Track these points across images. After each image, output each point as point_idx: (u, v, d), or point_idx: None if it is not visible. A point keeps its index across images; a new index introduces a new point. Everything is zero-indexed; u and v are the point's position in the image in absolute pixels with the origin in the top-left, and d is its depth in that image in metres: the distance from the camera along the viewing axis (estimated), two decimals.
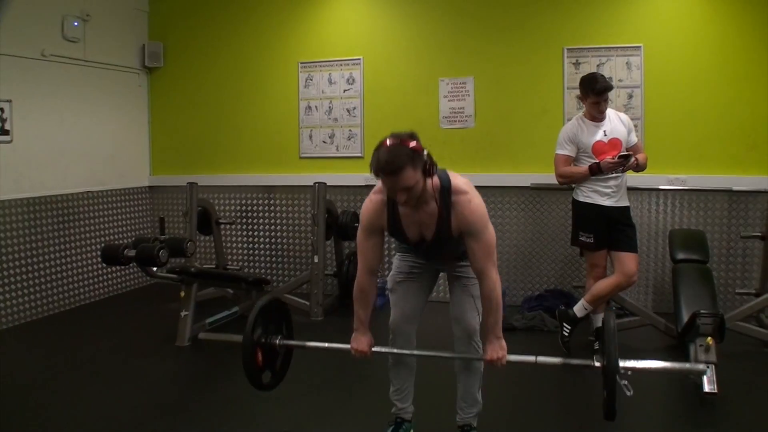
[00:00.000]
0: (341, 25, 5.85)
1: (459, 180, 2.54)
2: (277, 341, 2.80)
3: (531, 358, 2.62)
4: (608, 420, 2.38)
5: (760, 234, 4.72)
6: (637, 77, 5.14)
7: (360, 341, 2.70)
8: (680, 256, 4.42)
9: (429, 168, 2.36)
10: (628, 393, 2.35)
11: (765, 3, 4.97)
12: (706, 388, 3.26)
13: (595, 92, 3.95)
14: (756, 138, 5.04)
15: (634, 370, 2.43)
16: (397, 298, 2.82)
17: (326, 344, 2.86)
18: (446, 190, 2.50)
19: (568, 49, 5.32)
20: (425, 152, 2.34)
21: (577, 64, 5.27)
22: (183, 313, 4.35)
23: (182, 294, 4.43)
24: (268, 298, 2.85)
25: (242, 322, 4.73)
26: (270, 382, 2.84)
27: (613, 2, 5.26)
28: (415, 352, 2.81)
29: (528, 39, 5.43)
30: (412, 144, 2.30)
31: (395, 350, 2.79)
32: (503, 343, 2.60)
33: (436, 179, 2.46)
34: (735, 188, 4.70)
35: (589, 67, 5.16)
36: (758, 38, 4.99)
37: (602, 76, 4.08)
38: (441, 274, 2.96)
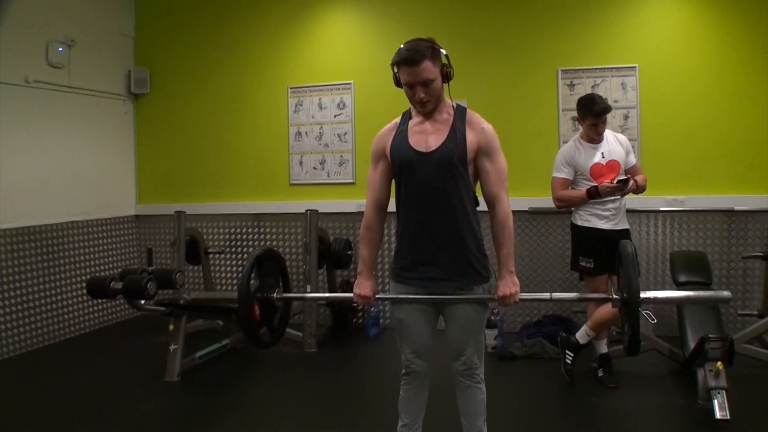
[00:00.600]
0: (331, 49, 5.95)
1: None
2: (275, 294, 2.76)
3: (546, 295, 2.68)
4: (631, 355, 2.42)
5: (761, 254, 4.80)
6: (633, 98, 5.23)
7: (364, 286, 2.67)
8: (683, 278, 4.45)
9: (447, 71, 2.47)
10: (652, 321, 2.54)
11: (760, 22, 5.10)
12: (718, 414, 3.27)
13: (593, 114, 3.99)
14: (754, 157, 5.14)
15: (655, 301, 2.49)
16: (402, 336, 2.69)
17: (327, 294, 2.85)
18: (461, 108, 2.58)
19: (562, 70, 5.42)
20: (444, 53, 2.46)
21: (571, 86, 5.37)
22: (172, 347, 4.35)
23: (171, 327, 4.43)
24: (263, 248, 2.83)
25: (233, 355, 4.81)
26: (269, 339, 2.81)
27: (607, 22, 5.38)
28: (422, 296, 2.59)
29: (522, 61, 5.53)
30: (433, 43, 2.44)
31: (401, 296, 2.63)
32: (516, 279, 2.55)
33: (449, 100, 2.56)
34: (737, 208, 4.78)
35: (583, 89, 5.28)
36: (755, 56, 5.12)
37: (600, 97, 4.13)
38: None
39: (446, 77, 2.48)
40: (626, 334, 2.41)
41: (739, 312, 4.91)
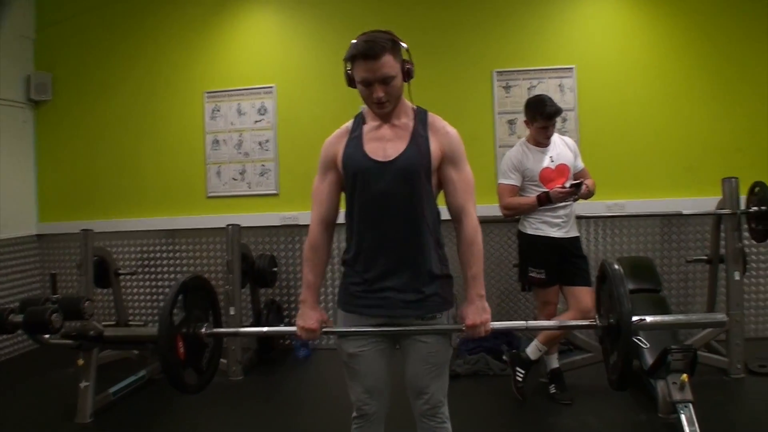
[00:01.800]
0: (251, 50, 5.89)
1: None
2: (204, 330, 2.53)
3: (521, 324, 2.58)
4: (619, 390, 2.34)
5: (706, 257, 5.00)
6: (571, 100, 5.38)
7: (309, 317, 2.41)
8: (632, 286, 4.52)
9: (409, 69, 2.36)
10: (645, 346, 2.38)
11: (697, 24, 5.38)
12: (687, 429, 3.29)
13: (544, 116, 4.01)
14: (693, 160, 5.39)
15: (647, 326, 2.43)
16: (353, 373, 2.49)
17: (266, 329, 2.66)
18: (422, 111, 2.46)
19: (497, 71, 5.53)
20: (405, 47, 2.34)
21: (507, 88, 5.49)
22: (82, 384, 4.18)
23: (80, 362, 4.26)
24: (190, 275, 2.60)
25: (152, 388, 4.68)
26: (196, 382, 2.57)
27: (544, 22, 5.53)
28: (377, 329, 2.41)
29: (455, 62, 5.61)
30: (393, 35, 2.30)
31: (352, 329, 2.45)
32: (486, 304, 2.35)
33: (409, 103, 2.45)
34: (684, 212, 4.95)
35: (520, 91, 5.42)
36: (692, 58, 5.40)
37: (550, 98, 4.12)
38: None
39: (407, 75, 2.36)
40: (613, 366, 2.32)
41: None
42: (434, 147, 2.35)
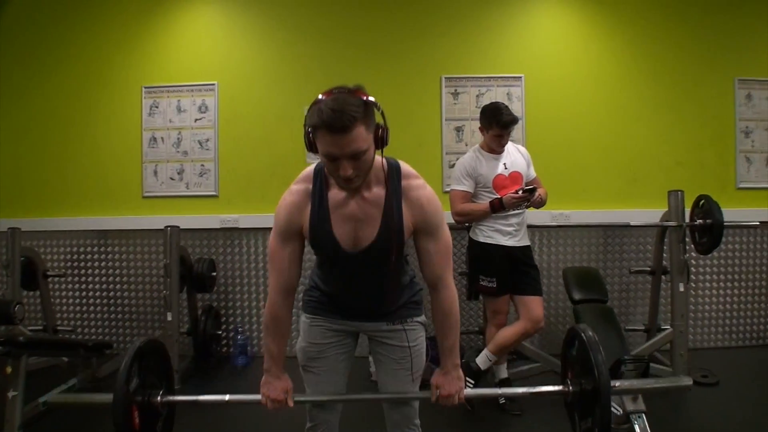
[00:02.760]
0: (193, 45, 5.90)
1: (405, 163, 2.30)
2: (159, 398, 2.47)
3: (496, 391, 2.63)
4: None
5: (649, 268, 5.28)
6: (518, 109, 5.60)
7: (273, 387, 2.37)
8: (578, 296, 4.75)
9: (383, 134, 2.10)
10: (618, 412, 2.39)
11: (644, 38, 5.74)
12: None
13: (500, 125, 4.13)
14: (636, 171, 5.73)
15: (622, 391, 2.48)
16: (313, 379, 2.52)
17: (227, 396, 2.53)
18: (395, 171, 2.24)
19: (446, 77, 5.72)
20: (379, 108, 2.08)
21: (455, 94, 5.69)
22: (11, 394, 4.08)
23: (8, 369, 4.19)
24: (145, 339, 2.54)
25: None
26: None
27: (494, 30, 5.75)
28: (345, 396, 2.54)
29: (403, 66, 5.77)
30: (363, 94, 2.02)
31: (319, 397, 2.51)
32: (461, 372, 2.41)
33: (380, 158, 2.19)
34: (633, 223, 5.14)
35: (468, 98, 5.64)
36: (637, 73, 5.76)
37: (506, 107, 4.22)
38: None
39: (382, 143, 2.10)
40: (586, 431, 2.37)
41: (625, 327, 5.32)
42: (408, 220, 2.24)
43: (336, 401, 2.54)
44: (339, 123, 1.93)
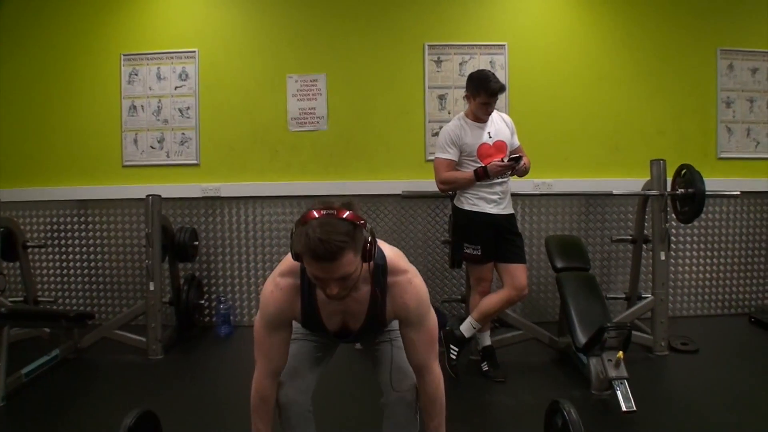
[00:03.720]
0: (173, 11, 5.80)
1: (392, 253, 2.33)
2: None
3: None
4: None
5: (630, 237, 5.34)
6: (501, 77, 5.50)
7: None
8: (561, 264, 4.80)
9: (370, 249, 2.07)
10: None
11: (627, 6, 5.75)
12: (624, 406, 3.48)
13: (488, 92, 4.10)
14: (618, 140, 5.78)
15: None
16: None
17: None
18: (381, 268, 2.26)
19: (429, 45, 5.70)
20: (366, 227, 2.07)
21: (438, 62, 5.67)
22: None
23: None
24: (136, 414, 2.60)
25: (66, 368, 4.64)
26: None
27: None
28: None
29: (386, 33, 5.74)
30: (350, 216, 1.99)
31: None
32: None
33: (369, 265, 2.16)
34: (615, 192, 5.16)
35: (451, 65, 5.64)
36: (620, 40, 5.77)
37: (494, 74, 4.19)
38: None
39: (369, 256, 2.08)
40: None
41: (607, 296, 5.36)
42: (390, 314, 2.32)
43: (300, 386, 2.54)
44: (326, 254, 1.91)
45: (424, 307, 2.32)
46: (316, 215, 1.95)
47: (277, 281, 2.28)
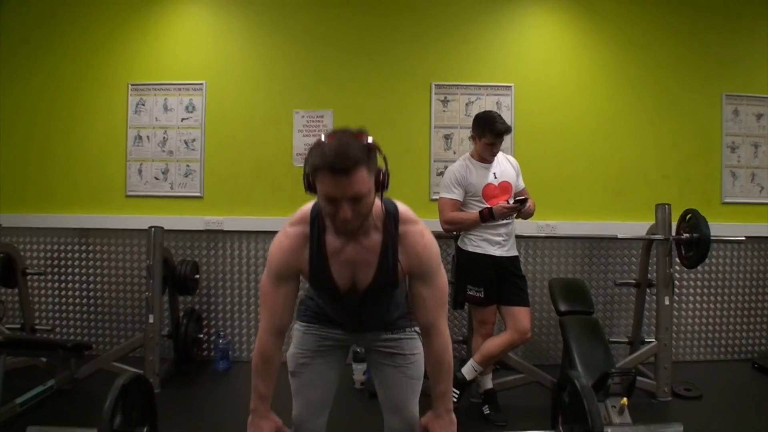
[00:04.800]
0: (182, 43, 5.84)
1: (403, 206, 2.29)
2: None
3: None
4: None
5: (634, 281, 5.33)
6: (508, 118, 5.61)
7: (260, 427, 2.34)
8: (564, 307, 4.77)
9: (384, 179, 2.08)
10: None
11: (633, 50, 5.80)
12: None
13: (494, 133, 4.14)
14: (622, 184, 5.79)
15: None
16: (301, 384, 2.54)
17: None
18: (392, 216, 2.23)
19: (436, 84, 5.73)
20: (382, 154, 2.09)
21: (445, 102, 5.70)
22: None
23: None
24: (129, 375, 2.58)
25: (61, 399, 4.59)
26: None
27: (485, 39, 5.78)
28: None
29: (393, 71, 5.77)
30: (368, 139, 2.03)
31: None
32: (454, 417, 2.41)
33: (378, 202, 2.16)
34: (620, 236, 5.19)
35: (457, 106, 5.67)
36: (626, 84, 5.82)
37: (500, 115, 4.25)
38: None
39: (382, 187, 2.08)
40: None
41: (609, 340, 5.28)
42: (404, 266, 2.25)
43: (315, 410, 2.55)
44: (342, 165, 1.93)
45: (436, 260, 2.28)
46: (335, 134, 2.02)
47: (286, 230, 2.28)
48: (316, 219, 2.24)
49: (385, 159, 2.10)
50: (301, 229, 2.25)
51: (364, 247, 2.22)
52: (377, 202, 2.14)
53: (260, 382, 2.34)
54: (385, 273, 2.24)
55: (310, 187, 2.07)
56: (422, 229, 2.28)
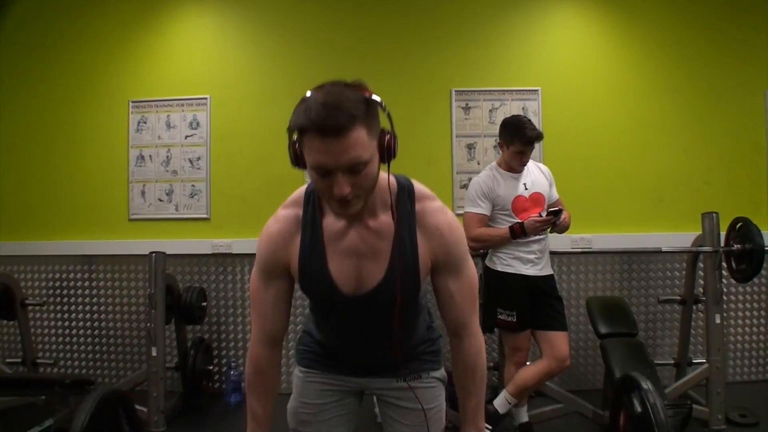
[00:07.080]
0: (184, 56, 5.66)
1: (417, 182, 1.89)
2: None
3: None
4: None
5: (679, 297, 4.95)
6: (536, 124, 5.23)
7: None
8: (605, 330, 4.46)
9: (390, 143, 1.65)
10: None
11: (667, 49, 5.50)
12: None
13: (523, 140, 3.83)
14: (662, 192, 5.45)
15: None
16: None
17: None
18: (406, 192, 1.82)
19: (456, 91, 5.47)
20: (386, 111, 1.66)
21: (467, 109, 5.43)
22: None
23: None
24: (105, 390, 2.43)
25: None
26: None
27: (508, 41, 5.54)
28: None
29: (410, 79, 5.52)
30: (365, 90, 1.61)
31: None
32: None
33: (386, 175, 1.77)
34: (664, 249, 4.88)
35: (480, 112, 5.40)
36: (662, 87, 5.51)
37: (530, 120, 3.96)
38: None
39: (388, 154, 1.66)
40: None
41: (654, 362, 4.96)
42: (424, 254, 1.81)
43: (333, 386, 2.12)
44: (333, 122, 1.49)
45: (464, 246, 1.86)
46: (326, 86, 1.58)
47: (277, 213, 1.87)
48: (311, 197, 1.84)
49: (389, 118, 1.67)
50: (294, 212, 1.84)
51: (372, 231, 1.78)
52: (384, 175, 1.75)
53: (255, 401, 1.97)
54: (401, 265, 1.77)
55: (298, 160, 1.64)
56: (443, 206, 1.86)
